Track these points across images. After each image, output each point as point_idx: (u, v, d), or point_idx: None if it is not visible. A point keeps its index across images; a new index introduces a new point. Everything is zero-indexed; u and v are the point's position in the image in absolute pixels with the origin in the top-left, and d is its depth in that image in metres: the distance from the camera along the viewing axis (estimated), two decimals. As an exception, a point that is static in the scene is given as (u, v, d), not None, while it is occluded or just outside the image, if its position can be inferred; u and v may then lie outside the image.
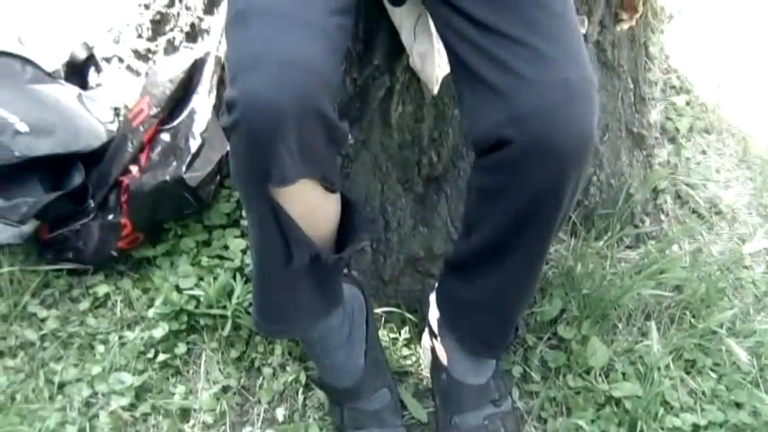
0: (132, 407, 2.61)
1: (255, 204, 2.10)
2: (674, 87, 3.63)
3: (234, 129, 1.93)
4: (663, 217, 3.20)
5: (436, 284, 2.52)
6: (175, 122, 2.81)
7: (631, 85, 3.03)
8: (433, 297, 2.54)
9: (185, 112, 2.80)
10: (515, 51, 2.01)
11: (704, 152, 3.51)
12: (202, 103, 2.78)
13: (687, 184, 3.31)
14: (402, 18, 2.42)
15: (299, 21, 1.92)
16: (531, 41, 2.01)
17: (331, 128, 1.97)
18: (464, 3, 2.09)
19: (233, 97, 1.90)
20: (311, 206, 2.12)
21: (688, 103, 3.60)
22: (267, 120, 1.88)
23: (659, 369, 2.68)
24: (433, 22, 2.28)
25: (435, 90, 2.49)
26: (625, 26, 2.90)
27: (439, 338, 2.52)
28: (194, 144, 2.74)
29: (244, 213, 2.73)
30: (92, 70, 3.22)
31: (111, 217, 2.81)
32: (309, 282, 2.26)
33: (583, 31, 2.71)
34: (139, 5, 3.15)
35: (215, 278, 2.73)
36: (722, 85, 3.71)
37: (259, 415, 2.62)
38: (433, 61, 2.42)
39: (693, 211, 3.27)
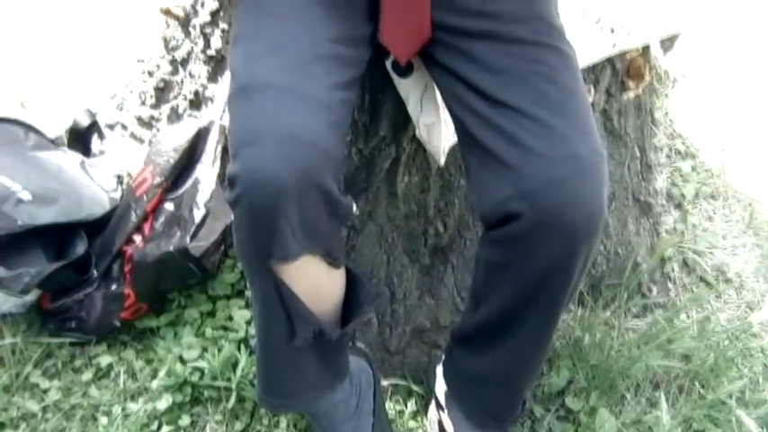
0: (136, 480, 2.59)
1: (258, 279, 2.09)
2: (679, 152, 3.62)
3: (236, 204, 1.92)
4: (670, 285, 3.18)
5: (443, 356, 2.49)
6: (179, 192, 2.79)
7: (638, 154, 3.02)
8: (439, 369, 2.51)
9: (189, 182, 2.78)
10: (524, 125, 1.99)
11: (710, 218, 3.49)
12: (206, 173, 2.76)
13: (694, 252, 3.29)
14: (408, 89, 2.41)
15: (301, 95, 1.92)
16: (540, 115, 1.99)
17: (334, 203, 1.96)
18: (472, 75, 2.08)
19: (234, 173, 1.89)
20: (315, 281, 2.11)
21: (693, 169, 3.59)
22: (268, 196, 1.88)
23: (669, 440, 2.66)
24: (441, 93, 2.26)
25: (442, 161, 2.47)
26: (631, 94, 2.90)
27: (446, 411, 2.49)
28: (198, 214, 2.72)
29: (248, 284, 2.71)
30: (95, 137, 3.22)
31: (114, 287, 2.79)
32: (314, 356, 2.24)
33: (589, 99, 2.71)
34: (143, 72, 3.14)
35: (219, 349, 2.71)
36: (727, 150, 3.70)
37: (264, 488, 2.60)
38: (439, 133, 2.41)
39: (701, 279, 3.25)
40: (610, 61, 2.79)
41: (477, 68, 2.08)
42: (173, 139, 2.83)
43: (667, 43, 3.10)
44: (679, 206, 3.43)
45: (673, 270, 3.21)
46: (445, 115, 2.35)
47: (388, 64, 2.35)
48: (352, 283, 2.28)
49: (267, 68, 1.96)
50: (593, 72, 2.76)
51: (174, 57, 3.03)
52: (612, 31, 2.69)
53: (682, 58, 3.93)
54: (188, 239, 2.69)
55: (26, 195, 2.77)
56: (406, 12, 2.12)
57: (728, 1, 4.36)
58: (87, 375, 2.78)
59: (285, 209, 1.89)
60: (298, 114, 1.90)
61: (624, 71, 2.85)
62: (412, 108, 2.43)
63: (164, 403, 2.68)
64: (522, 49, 2.08)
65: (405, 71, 2.27)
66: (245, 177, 1.88)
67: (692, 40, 4.11)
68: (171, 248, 2.69)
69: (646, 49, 2.89)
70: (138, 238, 2.80)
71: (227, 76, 2.84)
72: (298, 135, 1.87)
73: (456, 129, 2.18)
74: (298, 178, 1.87)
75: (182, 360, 2.73)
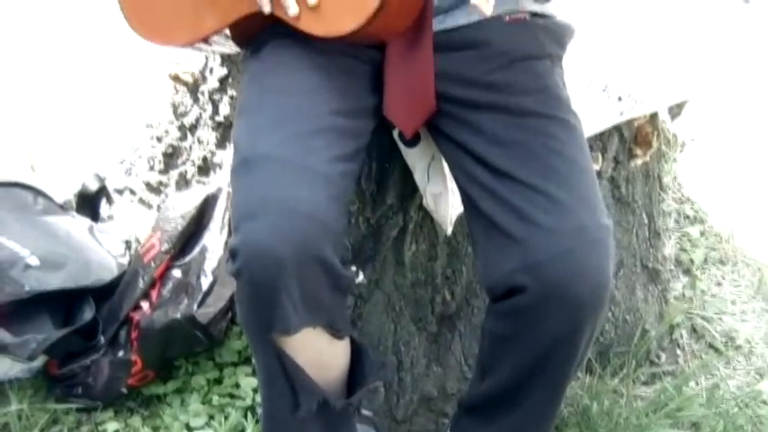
0: None
1: (261, 350, 2.09)
2: (688, 217, 3.61)
3: (237, 277, 1.95)
4: (679, 352, 3.17)
5: (450, 425, 2.47)
6: (187, 259, 2.79)
7: (646, 220, 3.02)
8: (447, 438, 2.50)
9: (197, 249, 2.79)
10: (530, 198, 2.00)
11: (719, 284, 3.48)
12: (214, 240, 2.77)
13: (703, 318, 3.28)
14: (415, 159, 2.42)
15: (300, 169, 1.93)
16: (546, 188, 2.00)
17: (335, 275, 1.97)
18: (478, 148, 2.09)
19: (235, 246, 1.91)
20: (318, 352, 2.11)
21: (702, 234, 3.58)
22: (268, 269, 1.89)
23: None
24: (447, 164, 2.27)
25: (449, 231, 2.48)
26: (639, 161, 2.91)
27: (454, 480, 2.48)
28: (206, 282, 2.72)
29: (254, 353, 2.71)
30: (103, 202, 3.22)
31: (121, 353, 2.78)
32: (319, 427, 2.22)
33: (597, 167, 2.72)
34: (152, 138, 3.16)
35: (226, 417, 2.69)
36: (736, 215, 3.69)
37: None
38: (446, 202, 2.42)
39: (710, 346, 3.23)
40: (617, 128, 2.80)
41: (484, 140, 2.09)
42: (181, 205, 2.83)
43: (675, 109, 3.11)
44: (688, 272, 3.42)
45: (681, 337, 3.20)
46: (452, 185, 2.36)
47: (395, 133, 2.36)
48: (356, 352, 2.27)
49: (268, 142, 1.97)
50: (601, 139, 2.77)
51: (182, 123, 3.04)
52: (620, 99, 2.70)
53: (691, 121, 3.94)
54: (195, 307, 2.69)
55: (34, 260, 2.77)
56: (410, 85, 2.14)
57: (737, 66, 4.38)
58: (94, 442, 2.77)
59: (285, 282, 1.90)
60: (297, 188, 1.91)
61: (632, 138, 2.86)
62: (419, 177, 2.44)
63: (171, 470, 2.67)
64: (528, 121, 2.09)
65: (412, 141, 2.28)
66: (246, 251, 1.90)
67: (701, 103, 4.12)
68: (178, 316, 2.69)
69: (653, 115, 2.90)
70: (145, 305, 2.80)
71: (234, 143, 2.85)
72: (297, 208, 1.89)
73: (462, 200, 2.19)
74: (297, 252, 1.88)
75: (188, 428, 2.71)
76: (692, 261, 3.45)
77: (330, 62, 2.10)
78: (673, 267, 3.32)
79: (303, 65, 2.10)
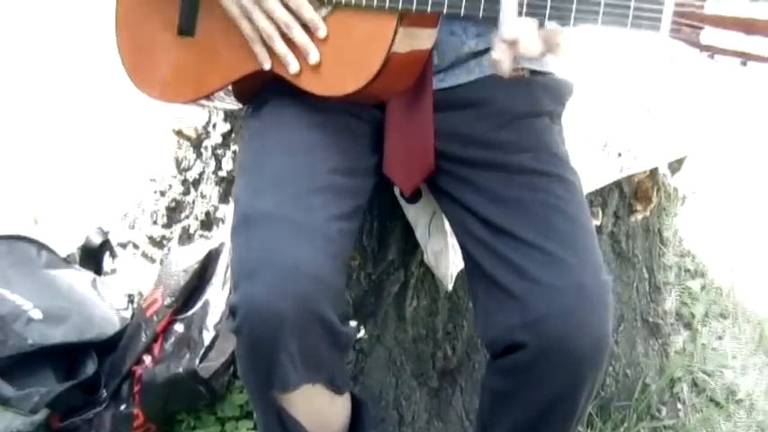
0: None
1: (261, 406, 2.10)
2: (688, 271, 3.62)
3: (236, 334, 1.97)
4: (680, 406, 3.17)
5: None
6: (189, 313, 2.80)
7: (646, 275, 3.03)
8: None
9: (199, 304, 2.80)
10: (530, 255, 2.01)
11: (720, 338, 3.48)
12: (216, 295, 2.78)
13: (704, 372, 3.27)
14: (416, 215, 2.44)
15: (299, 227, 1.95)
16: (545, 245, 2.02)
17: (334, 333, 1.98)
18: (478, 205, 2.11)
19: (235, 303, 1.94)
20: (318, 409, 2.11)
21: (703, 288, 3.59)
22: (267, 327, 1.91)
23: None
24: (447, 221, 2.29)
25: (450, 287, 2.49)
26: (639, 216, 2.92)
27: None
28: (208, 336, 2.73)
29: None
30: (106, 255, 3.23)
31: (123, 407, 2.78)
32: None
33: (597, 222, 2.73)
34: (155, 192, 3.17)
35: (228, 471, 2.70)
36: (737, 269, 3.70)
37: None
38: (447, 258, 2.43)
39: (711, 400, 3.23)
40: (617, 184, 2.81)
41: (483, 198, 2.11)
42: (183, 260, 2.85)
43: (675, 165, 3.12)
44: (688, 326, 3.42)
45: (682, 391, 3.20)
46: (453, 241, 2.37)
47: (397, 190, 2.37)
48: (357, 407, 2.28)
49: (268, 200, 1.99)
50: (601, 195, 2.78)
51: (185, 177, 3.06)
52: (619, 155, 2.72)
53: (691, 174, 3.95)
54: (197, 361, 2.70)
55: (37, 314, 2.78)
56: (410, 144, 2.16)
57: (736, 121, 4.40)
58: (94, 496, 2.77)
59: (284, 340, 1.91)
60: (296, 246, 1.93)
61: (632, 194, 2.88)
62: (420, 234, 2.45)
63: None
64: (527, 178, 2.11)
65: (413, 198, 2.29)
66: (245, 309, 1.92)
67: (701, 156, 4.14)
68: (180, 370, 2.70)
69: (653, 171, 2.92)
70: (147, 359, 2.80)
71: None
72: (296, 267, 1.90)
73: (463, 256, 2.20)
74: (296, 310, 1.89)
75: (191, 481, 2.72)
76: (692, 315, 3.45)
77: (330, 120, 2.13)
78: (673, 321, 3.32)
79: (303, 123, 2.12)
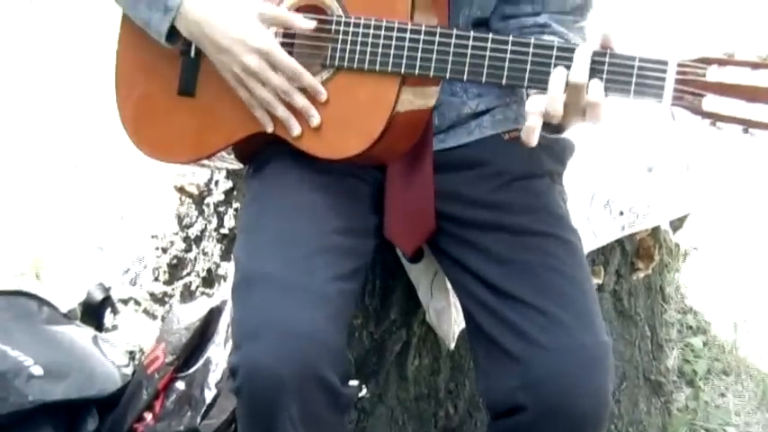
0: None
1: None
2: (690, 327, 3.61)
3: (237, 394, 1.97)
4: (683, 463, 3.16)
5: None
6: (191, 371, 2.79)
7: (648, 333, 3.03)
8: None
9: (201, 361, 2.79)
10: (530, 317, 2.02)
11: (723, 395, 3.47)
12: (218, 353, 2.77)
13: (707, 429, 3.27)
14: (419, 275, 2.44)
15: (300, 288, 1.95)
16: (545, 307, 2.02)
17: (334, 394, 1.98)
18: (478, 266, 2.11)
19: (235, 364, 1.93)
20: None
21: (705, 344, 3.58)
22: (267, 389, 1.91)
23: None
24: (449, 281, 2.29)
25: (452, 346, 2.49)
26: (641, 274, 2.92)
27: None
28: (209, 395, 2.71)
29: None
30: (108, 312, 3.23)
31: (124, 465, 2.78)
32: None
33: (599, 281, 2.74)
34: (157, 248, 3.17)
35: None
36: (740, 325, 3.69)
37: None
38: (449, 318, 2.43)
39: (714, 457, 3.23)
40: (619, 242, 2.82)
41: (484, 259, 2.11)
42: (185, 317, 2.84)
43: (677, 223, 3.13)
44: (691, 383, 3.42)
45: (685, 448, 3.19)
46: (455, 300, 2.37)
47: (399, 249, 2.37)
48: None
49: (268, 261, 2.00)
50: (603, 253, 2.79)
51: (187, 234, 3.06)
52: (621, 213, 2.72)
53: (693, 230, 3.96)
54: (198, 420, 2.69)
55: (38, 370, 2.77)
56: (411, 205, 2.17)
57: (740, 176, 4.41)
58: None
59: (284, 403, 1.91)
60: (296, 308, 1.93)
61: (634, 252, 2.88)
62: (422, 293, 2.46)
63: None
64: (527, 239, 2.11)
65: (415, 257, 2.29)
66: (246, 370, 1.92)
67: (703, 212, 4.15)
68: (181, 428, 2.68)
69: (655, 229, 2.92)
70: (148, 416, 2.79)
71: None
72: (296, 329, 1.91)
73: (464, 316, 2.20)
74: (296, 372, 1.89)
75: None
76: (695, 372, 3.45)
77: (331, 182, 2.13)
78: (676, 379, 3.32)
79: (304, 184, 2.13)
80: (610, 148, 2.76)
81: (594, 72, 1.85)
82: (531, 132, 1.92)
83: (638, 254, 2.89)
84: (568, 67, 1.87)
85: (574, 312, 2.02)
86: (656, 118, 2.70)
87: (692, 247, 3.94)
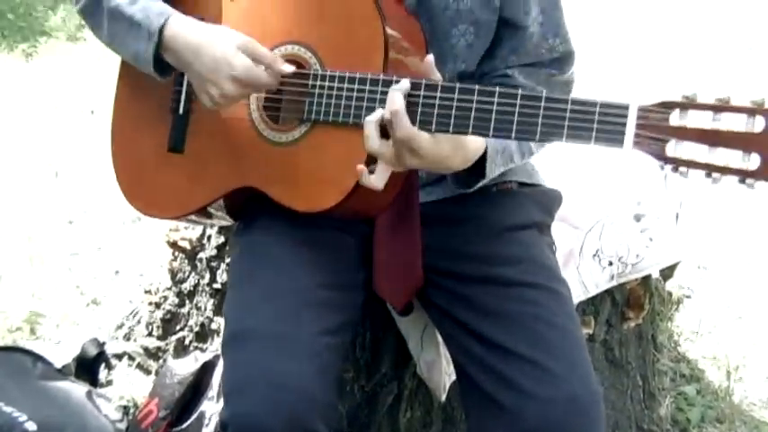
0: None
1: None
2: (684, 376, 3.62)
3: None
4: None
5: None
6: (184, 425, 2.79)
7: (640, 382, 3.03)
8: None
9: (194, 416, 2.79)
10: (520, 368, 2.02)
11: (717, 442, 3.48)
12: (211, 407, 2.77)
13: (701, 477, 3.27)
14: (409, 327, 2.45)
15: (288, 343, 1.97)
16: (535, 358, 2.03)
17: None
18: (468, 319, 2.12)
19: (225, 419, 1.95)
20: None
21: (699, 392, 3.58)
22: None
23: None
24: (439, 334, 2.30)
25: (443, 398, 2.50)
26: (632, 324, 2.93)
27: None
28: (203, 448, 2.73)
29: None
30: (102, 367, 3.24)
31: None
32: None
33: (590, 331, 2.75)
34: (150, 304, 3.19)
35: None
36: (733, 372, 3.69)
37: None
38: (440, 370, 2.44)
39: (708, 506, 3.22)
40: (609, 292, 2.83)
41: (473, 312, 2.12)
42: (179, 371, 2.85)
43: (667, 271, 3.14)
44: (684, 431, 3.41)
45: (679, 497, 3.19)
46: (445, 352, 2.38)
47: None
48: None
49: (256, 316, 2.02)
50: (593, 303, 2.80)
51: (180, 289, 3.08)
52: (611, 263, 2.74)
53: (686, 276, 3.98)
54: (193, 473, 2.70)
55: (32, 426, 2.77)
56: (398, 260, 2.18)
57: (731, 219, 4.43)
58: None
59: None
60: (285, 362, 1.95)
61: (624, 302, 2.89)
62: (412, 346, 2.47)
63: None
64: (516, 291, 2.12)
65: (404, 310, 2.30)
66: (235, 425, 1.93)
67: (695, 258, 4.17)
68: (175, 482, 2.70)
69: (646, 278, 2.93)
70: (143, 471, 2.80)
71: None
72: (285, 383, 1.92)
73: (455, 368, 2.21)
74: (286, 426, 1.90)
75: None
76: (688, 420, 3.44)
77: (317, 237, 2.16)
78: (669, 427, 3.31)
79: (290, 240, 2.15)
80: (597, 197, 2.77)
81: (555, 118, 1.87)
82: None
83: (629, 303, 2.90)
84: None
85: (564, 362, 2.03)
86: (643, 167, 2.73)
87: (684, 295, 3.95)
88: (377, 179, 1.95)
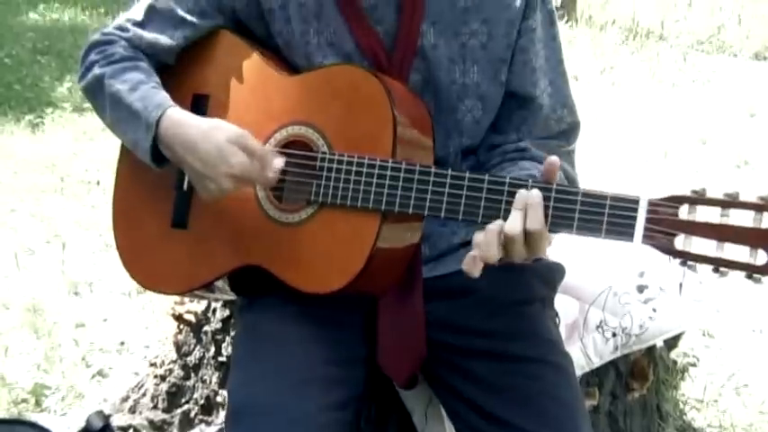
0: None
1: None
2: (689, 448, 3.61)
3: None
4: None
5: None
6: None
7: (645, 453, 3.03)
8: None
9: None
10: None
11: None
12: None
13: None
14: (413, 401, 2.45)
15: (292, 419, 1.98)
16: (540, 433, 2.03)
17: None
18: (472, 394, 2.13)
19: None
20: None
21: (706, 460, 3.57)
22: None
23: None
24: (443, 408, 2.30)
25: (447, 473, 2.49)
26: (636, 394, 2.93)
27: None
28: None
29: None
30: (108, 440, 3.24)
31: None
32: None
33: (594, 402, 2.75)
34: (156, 376, 3.19)
35: None
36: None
37: None
38: (444, 443, 2.44)
39: None
40: (613, 363, 2.83)
41: (477, 387, 2.13)
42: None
43: (671, 341, 3.14)
44: (691, 502, 3.41)
45: None
46: (450, 426, 2.38)
47: (393, 377, 2.39)
48: None
49: (258, 392, 2.04)
50: (597, 374, 2.80)
51: (186, 361, 3.08)
52: (614, 334, 2.74)
53: (691, 344, 3.97)
54: None
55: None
56: (402, 335, 2.19)
57: (735, 286, 4.43)
58: None
59: None
60: None
61: (628, 372, 2.89)
62: (417, 419, 2.46)
63: None
64: (520, 366, 2.13)
65: (409, 384, 2.31)
66: None
67: (700, 325, 4.17)
68: None
69: (650, 348, 2.93)
70: None
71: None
72: None
73: (459, 444, 2.22)
74: None
75: None
76: (695, 491, 3.44)
77: (321, 314, 2.16)
78: (675, 499, 3.31)
79: (293, 316, 2.16)
80: (601, 268, 2.78)
81: (566, 210, 1.89)
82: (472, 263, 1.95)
83: (633, 374, 2.90)
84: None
85: None
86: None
87: (689, 363, 3.94)
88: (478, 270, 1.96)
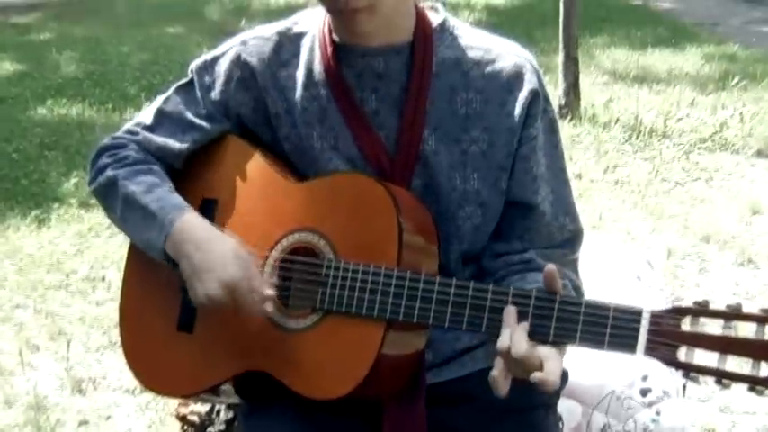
0: None
1: None
2: None
3: None
4: None
5: None
6: None
7: None
8: None
9: None
10: None
11: None
12: None
13: None
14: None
15: None
16: None
17: None
18: None
19: None
20: None
21: None
22: None
23: None
24: None
25: None
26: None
27: None
28: None
29: None
30: None
31: None
32: None
33: None
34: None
35: None
36: None
37: None
38: None
39: None
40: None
41: None
42: None
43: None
44: None
45: None
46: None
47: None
48: None
49: None
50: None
51: (189, 463, 3.08)
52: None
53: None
54: None
55: None
56: None
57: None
58: None
59: None
60: None
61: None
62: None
63: None
64: None
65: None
66: None
67: (704, 422, 4.14)
68: None
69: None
70: None
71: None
72: None
73: None
74: None
75: None
76: None
77: (325, 419, 2.17)
78: None
79: (297, 423, 2.18)
80: (604, 372, 2.79)
81: (569, 321, 1.90)
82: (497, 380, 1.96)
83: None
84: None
85: None
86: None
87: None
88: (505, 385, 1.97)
